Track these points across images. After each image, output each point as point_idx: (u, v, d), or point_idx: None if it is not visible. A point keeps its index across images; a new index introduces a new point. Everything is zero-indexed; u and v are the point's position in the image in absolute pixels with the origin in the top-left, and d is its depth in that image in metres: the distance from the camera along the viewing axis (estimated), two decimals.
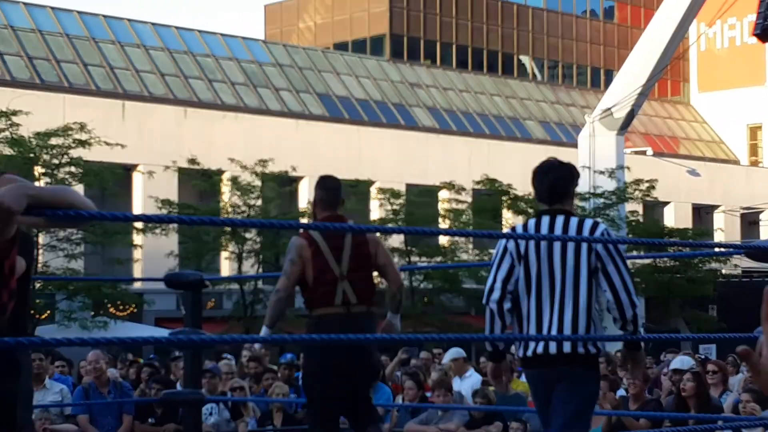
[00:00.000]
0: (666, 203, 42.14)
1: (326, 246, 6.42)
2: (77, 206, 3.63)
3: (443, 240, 31.67)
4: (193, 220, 3.86)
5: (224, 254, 29.37)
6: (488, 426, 9.39)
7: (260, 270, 28.22)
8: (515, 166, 38.52)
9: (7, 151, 24.37)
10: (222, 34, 37.80)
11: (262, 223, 5.28)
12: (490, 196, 32.98)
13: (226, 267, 30.46)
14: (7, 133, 24.49)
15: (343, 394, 6.43)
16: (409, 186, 34.52)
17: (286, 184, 31.16)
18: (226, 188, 28.78)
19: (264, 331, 6.47)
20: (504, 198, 32.28)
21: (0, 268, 3.74)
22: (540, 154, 37.80)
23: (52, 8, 34.14)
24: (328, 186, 6.61)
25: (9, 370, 3.80)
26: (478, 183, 32.78)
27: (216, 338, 5.03)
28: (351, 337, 5.53)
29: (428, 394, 10.64)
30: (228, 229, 26.91)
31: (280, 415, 11.23)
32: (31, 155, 24.59)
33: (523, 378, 11.72)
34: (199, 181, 28.89)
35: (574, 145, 34.17)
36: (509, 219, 33.37)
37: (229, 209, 27.89)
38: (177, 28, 36.67)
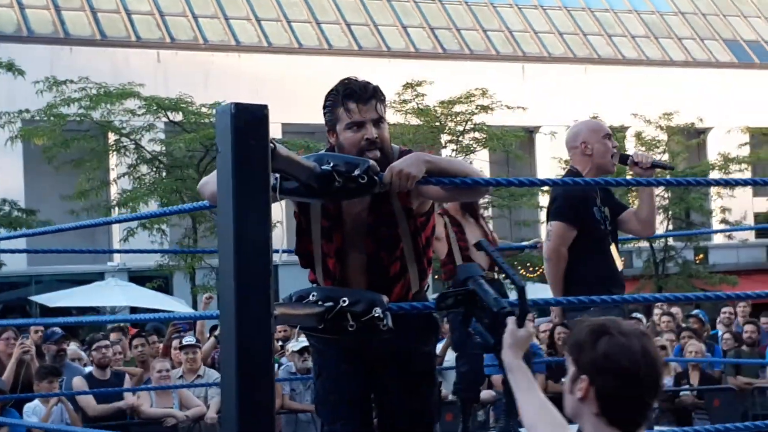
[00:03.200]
0: None
1: None
2: (471, 174, 3.63)
3: None
4: (587, 181, 3.66)
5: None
6: None
7: (670, 227, 27.33)
8: None
9: (414, 121, 25.14)
10: None
11: (668, 181, 4.94)
12: None
13: None
14: (413, 104, 25.27)
15: None
16: None
17: (694, 136, 29.93)
18: (630, 144, 28.08)
19: None
20: None
21: (417, 240, 3.91)
22: None
23: None
24: None
25: (429, 332, 4.00)
26: None
27: (630, 298, 4.79)
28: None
29: None
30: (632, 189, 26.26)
31: (697, 374, 10.71)
32: (437, 124, 25.23)
33: None
34: None
35: None
36: None
37: None
38: None
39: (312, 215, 3.88)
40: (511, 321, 2.80)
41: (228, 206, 2.93)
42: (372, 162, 3.38)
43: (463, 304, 3.02)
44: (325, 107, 3.91)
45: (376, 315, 3.44)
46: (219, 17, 30.67)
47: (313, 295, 3.55)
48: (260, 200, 2.96)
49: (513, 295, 3.00)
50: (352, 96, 3.79)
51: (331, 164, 3.30)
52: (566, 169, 5.99)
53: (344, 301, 3.49)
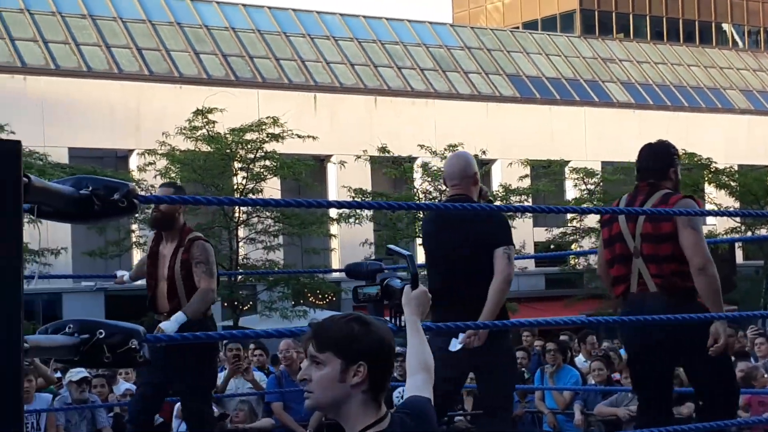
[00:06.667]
0: None
1: None
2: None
3: None
4: (381, 205, 3.91)
5: (419, 240, 29.45)
6: (679, 407, 9.00)
7: None
8: (716, 138, 37.19)
9: (205, 147, 25.09)
10: (409, 21, 37.90)
11: (445, 206, 5.35)
12: (690, 171, 31.88)
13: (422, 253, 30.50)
14: (204, 131, 25.21)
15: None
16: (604, 164, 33.77)
17: (478, 167, 30.95)
18: (417, 175, 28.82)
19: None
20: (705, 172, 31.15)
21: None
22: (743, 124, 36.29)
23: (244, 5, 34.98)
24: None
25: None
26: None
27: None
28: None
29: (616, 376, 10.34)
30: (420, 214, 26.94)
31: (470, 399, 11.07)
32: (228, 151, 25.25)
33: None
34: (390, 169, 29.04)
35: None
36: (711, 194, 32.20)
37: (421, 196, 27.91)
38: (364, 17, 36.98)
39: None
40: (407, 287, 3.35)
41: None
42: (132, 186, 3.48)
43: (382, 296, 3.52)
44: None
45: (133, 347, 3.50)
46: (5, 38, 29.79)
47: (69, 327, 3.58)
48: (12, 234, 3.00)
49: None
50: None
51: (90, 188, 3.37)
52: (455, 197, 6.07)
53: (101, 333, 3.52)
